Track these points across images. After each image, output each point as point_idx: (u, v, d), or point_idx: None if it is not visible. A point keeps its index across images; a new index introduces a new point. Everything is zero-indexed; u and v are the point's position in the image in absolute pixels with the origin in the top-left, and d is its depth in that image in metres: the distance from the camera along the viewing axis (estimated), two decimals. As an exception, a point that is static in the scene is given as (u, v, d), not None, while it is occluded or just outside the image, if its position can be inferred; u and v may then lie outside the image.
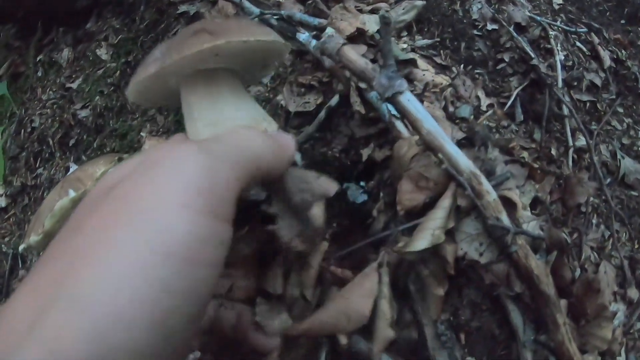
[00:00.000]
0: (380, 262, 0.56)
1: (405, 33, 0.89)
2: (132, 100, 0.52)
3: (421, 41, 0.87)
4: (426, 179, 0.63)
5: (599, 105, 0.89)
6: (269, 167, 0.34)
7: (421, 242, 0.56)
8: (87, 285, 0.23)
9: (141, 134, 0.94)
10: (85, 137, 1.02)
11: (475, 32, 0.90)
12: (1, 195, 1.14)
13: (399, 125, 0.70)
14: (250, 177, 0.31)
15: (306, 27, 0.85)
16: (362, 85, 0.74)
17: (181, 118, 0.91)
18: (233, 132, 0.32)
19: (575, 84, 0.89)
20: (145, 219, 0.24)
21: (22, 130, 1.15)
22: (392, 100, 0.63)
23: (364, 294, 0.53)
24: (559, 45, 0.90)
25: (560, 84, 0.85)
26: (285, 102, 0.81)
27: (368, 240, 0.58)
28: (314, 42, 0.83)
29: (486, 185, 0.63)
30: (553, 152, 0.79)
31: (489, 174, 0.66)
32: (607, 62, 0.93)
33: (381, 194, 0.70)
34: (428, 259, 0.61)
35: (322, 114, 0.77)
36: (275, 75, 0.87)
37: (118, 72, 1.03)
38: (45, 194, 1.06)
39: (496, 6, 0.93)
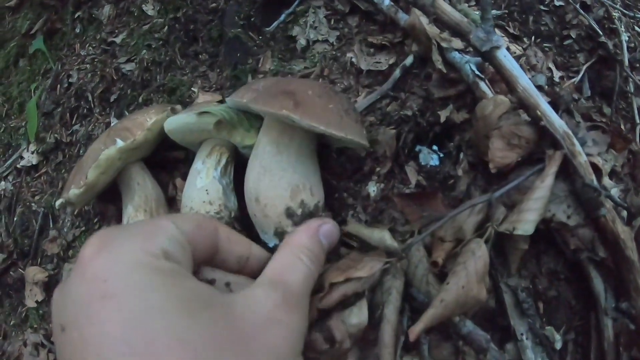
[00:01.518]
0: (487, 238, 0.52)
1: (472, 2, 0.85)
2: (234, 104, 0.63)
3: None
4: (518, 137, 0.59)
5: (660, 88, 0.86)
6: None
7: (530, 225, 0.53)
8: None
9: (192, 89, 0.87)
10: (129, 91, 0.95)
11: (542, 7, 0.87)
12: (33, 153, 1.06)
13: (483, 86, 0.67)
14: None
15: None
16: (444, 44, 0.70)
17: (239, 73, 0.85)
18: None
19: (638, 65, 0.86)
20: None
21: (58, 86, 1.08)
22: (489, 55, 0.59)
23: (478, 279, 0.50)
24: (622, 26, 0.88)
25: (626, 62, 0.82)
26: (356, 60, 0.76)
27: (465, 208, 0.53)
28: (386, 1, 0.78)
29: (578, 146, 0.59)
30: (622, 127, 0.76)
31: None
32: (666, 47, 0.91)
33: (461, 156, 0.66)
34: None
35: (397, 72, 0.73)
36: (341, 35, 0.82)
37: (166, 27, 0.97)
38: (81, 151, 0.99)
39: (560, -16, 0.90)
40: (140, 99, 0.93)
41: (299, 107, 0.50)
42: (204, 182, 0.66)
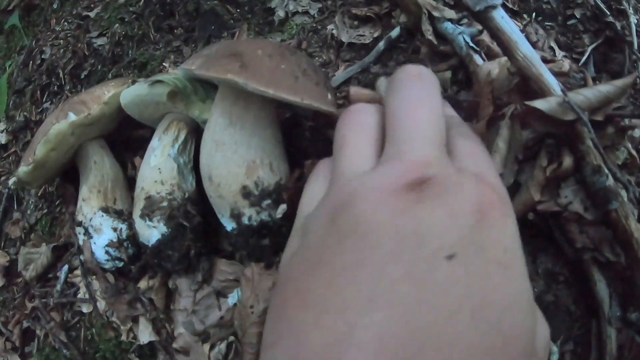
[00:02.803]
0: (504, 112, 0.43)
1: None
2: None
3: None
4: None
5: (670, 76, 0.74)
6: None
7: (545, 104, 0.42)
8: None
9: (164, 64, 0.76)
10: (99, 67, 0.84)
11: (544, -16, 0.75)
12: (2, 132, 0.95)
13: (478, 59, 0.55)
14: None
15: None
16: (436, 14, 0.58)
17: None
18: None
19: (647, 50, 0.74)
20: None
21: (31, 62, 0.97)
22: (483, 16, 0.48)
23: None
24: (630, 8, 0.76)
25: (635, 45, 0.70)
26: (337, 33, 0.65)
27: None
28: (373, -31, 0.67)
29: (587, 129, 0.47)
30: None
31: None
32: (677, 33, 0.79)
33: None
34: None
35: (382, 44, 0.61)
36: (323, 8, 0.71)
37: (142, 0, 0.86)
38: (50, 130, 0.88)
39: (565, -39, 0.78)
40: (110, 75, 0.82)
41: (246, 69, 0.40)
42: (157, 160, 0.55)
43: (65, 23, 0.97)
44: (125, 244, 0.57)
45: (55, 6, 1.02)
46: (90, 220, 0.59)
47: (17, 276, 0.83)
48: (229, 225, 0.48)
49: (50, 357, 0.71)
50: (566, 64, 0.55)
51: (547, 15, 0.73)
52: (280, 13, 0.71)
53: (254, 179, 0.45)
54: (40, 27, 1.02)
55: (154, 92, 0.54)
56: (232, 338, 0.52)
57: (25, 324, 0.77)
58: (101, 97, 0.63)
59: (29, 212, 0.84)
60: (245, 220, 0.47)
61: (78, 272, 0.69)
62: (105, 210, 0.59)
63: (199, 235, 0.52)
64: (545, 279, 0.53)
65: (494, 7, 0.47)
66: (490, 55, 0.57)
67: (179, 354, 0.55)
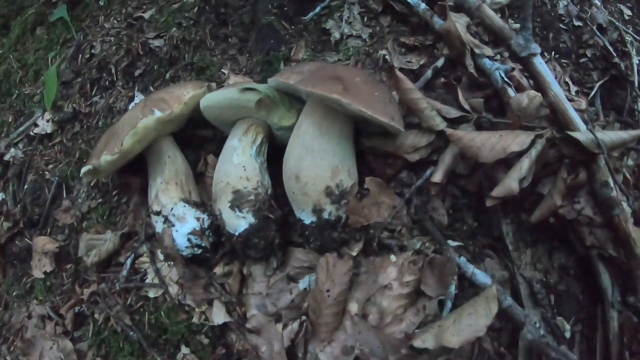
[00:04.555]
0: (541, 134, 0.58)
1: (499, 15, 0.88)
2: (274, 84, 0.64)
3: (514, 24, 0.87)
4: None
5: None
6: None
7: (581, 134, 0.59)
8: None
9: (222, 70, 0.87)
10: (155, 67, 0.94)
11: (562, 25, 0.91)
12: (48, 121, 1.02)
13: (511, 92, 0.69)
14: None
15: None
16: (477, 51, 0.72)
17: (272, 59, 0.85)
18: None
19: (645, 87, 0.91)
20: None
21: (80, 56, 1.04)
22: (526, 60, 0.62)
23: (516, 142, 0.56)
24: (634, 50, 0.93)
25: (636, 83, 0.87)
26: (389, 58, 0.78)
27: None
28: (422, 5, 0.80)
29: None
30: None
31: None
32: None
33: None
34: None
35: (429, 73, 0.75)
36: (373, 33, 0.84)
37: (196, 8, 0.96)
38: (101, 123, 0.96)
39: (578, 6, 0.94)
40: (167, 76, 0.92)
41: (348, 92, 0.52)
42: (240, 159, 0.66)
43: (115, 21, 1.05)
44: (206, 232, 0.67)
45: (102, 3, 1.11)
46: (172, 209, 0.69)
47: (66, 262, 0.90)
48: (309, 219, 0.60)
49: (107, 341, 0.75)
50: (583, 103, 0.71)
51: (562, 53, 0.88)
52: (336, 35, 0.83)
53: (337, 181, 0.57)
54: (87, 23, 1.10)
55: (244, 97, 0.65)
56: (303, 318, 0.61)
57: (77, 309, 0.84)
58: (181, 97, 0.73)
59: (80, 200, 0.92)
60: (325, 215, 0.59)
61: (143, 259, 0.78)
62: (186, 201, 0.69)
63: (279, 227, 0.63)
64: (559, 272, 0.68)
65: (534, 54, 0.62)
66: (519, 88, 0.71)
67: (251, 334, 0.64)
